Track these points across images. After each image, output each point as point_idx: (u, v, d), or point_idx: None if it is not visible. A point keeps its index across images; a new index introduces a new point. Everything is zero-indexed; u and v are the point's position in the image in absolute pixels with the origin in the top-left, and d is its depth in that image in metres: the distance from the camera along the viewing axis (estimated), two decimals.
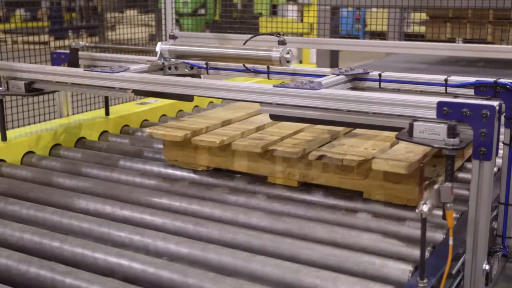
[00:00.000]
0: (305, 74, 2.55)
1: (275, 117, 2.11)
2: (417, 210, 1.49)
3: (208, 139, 2.37)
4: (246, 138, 2.40)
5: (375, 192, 2.16)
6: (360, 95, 1.91)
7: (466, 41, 6.00)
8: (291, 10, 9.21)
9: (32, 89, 2.62)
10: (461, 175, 2.59)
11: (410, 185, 2.08)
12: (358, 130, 2.45)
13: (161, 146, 2.75)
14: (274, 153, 2.24)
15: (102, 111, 3.34)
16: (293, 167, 2.30)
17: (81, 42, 2.94)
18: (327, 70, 2.50)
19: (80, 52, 3.02)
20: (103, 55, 3.07)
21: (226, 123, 2.61)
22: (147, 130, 2.49)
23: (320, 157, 2.13)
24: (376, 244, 1.88)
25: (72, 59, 2.93)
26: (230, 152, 2.39)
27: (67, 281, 1.69)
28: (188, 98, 2.51)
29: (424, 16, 6.69)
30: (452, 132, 1.71)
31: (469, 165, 2.68)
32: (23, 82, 2.60)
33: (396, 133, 1.83)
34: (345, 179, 2.20)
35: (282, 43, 2.37)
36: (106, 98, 3.28)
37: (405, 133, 1.80)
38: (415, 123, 1.77)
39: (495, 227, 2.06)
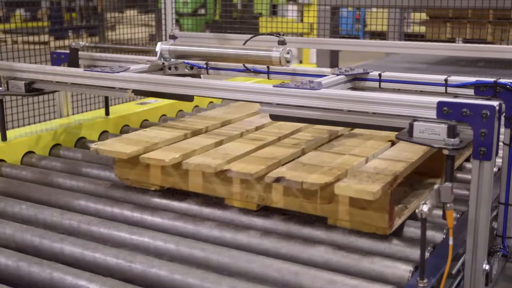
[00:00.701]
0: (305, 74, 2.55)
1: (275, 117, 2.11)
2: (417, 210, 1.49)
3: (157, 156, 2.13)
4: (201, 155, 2.15)
5: (340, 219, 1.93)
6: (360, 95, 1.91)
7: (466, 41, 6.01)
8: (291, 10, 9.21)
9: (32, 89, 2.62)
10: (459, 175, 2.58)
11: (379, 211, 1.85)
12: (335, 142, 2.30)
13: None
14: (227, 174, 2.01)
15: (102, 111, 3.34)
16: (251, 189, 2.07)
17: (81, 42, 2.94)
18: (327, 70, 2.50)
19: (80, 52, 3.02)
20: (103, 55, 3.07)
21: (189, 135, 2.40)
22: (92, 146, 2.26)
23: (278, 180, 1.90)
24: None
25: (72, 59, 2.93)
26: (184, 170, 2.14)
27: (67, 281, 1.70)
28: (188, 98, 2.51)
29: (424, 16, 6.69)
30: (452, 132, 1.71)
31: (468, 165, 2.68)
32: (23, 82, 2.60)
33: (397, 133, 1.83)
34: (307, 203, 1.97)
35: (282, 43, 2.37)
36: (106, 98, 3.27)
37: (405, 133, 1.79)
38: (415, 123, 1.77)
39: (495, 227, 2.06)
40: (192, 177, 2.17)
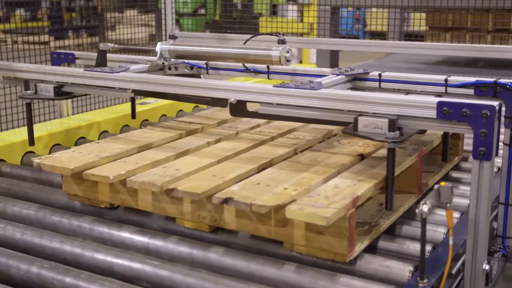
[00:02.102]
0: (305, 74, 2.55)
1: (275, 117, 2.11)
2: (417, 210, 1.49)
3: (102, 173, 1.98)
4: (148, 171, 1.99)
5: (296, 243, 1.77)
6: (360, 95, 1.91)
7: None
8: (291, 10, 9.21)
9: (61, 92, 2.49)
10: (455, 174, 2.57)
11: (337, 237, 1.69)
12: (300, 156, 2.15)
13: None
14: (173, 193, 1.85)
15: (102, 111, 3.34)
16: (202, 209, 1.91)
17: (109, 44, 2.82)
18: (327, 70, 2.50)
19: (80, 52, 3.03)
20: None
21: (142, 148, 2.26)
22: (35, 160, 2.11)
23: (226, 201, 1.73)
24: None
25: (100, 61, 2.82)
26: (136, 188, 1.96)
27: (67, 280, 1.70)
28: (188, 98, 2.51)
29: (423, 24, 6.70)
30: (392, 126, 1.76)
31: (464, 165, 2.68)
32: (52, 85, 2.47)
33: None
34: (261, 226, 1.82)
35: (282, 42, 2.37)
36: (133, 101, 3.06)
37: (351, 127, 1.84)
38: (359, 117, 1.83)
39: (495, 227, 2.07)
40: (141, 195, 2.02)
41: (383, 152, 2.07)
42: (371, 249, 1.85)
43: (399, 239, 1.90)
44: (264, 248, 1.87)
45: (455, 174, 2.56)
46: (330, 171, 1.95)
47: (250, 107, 2.47)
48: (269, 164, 2.08)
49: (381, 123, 1.78)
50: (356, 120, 1.83)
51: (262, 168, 2.03)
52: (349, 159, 2.07)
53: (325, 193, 1.75)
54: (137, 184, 1.90)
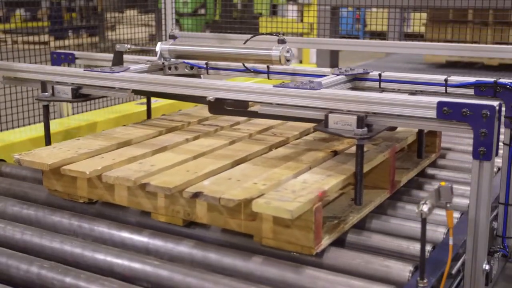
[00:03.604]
0: (305, 74, 2.55)
1: (275, 117, 2.11)
2: (417, 210, 1.49)
3: (79, 168, 2.03)
4: (124, 167, 2.04)
5: (265, 237, 1.82)
6: (360, 95, 1.91)
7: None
8: (291, 10, 9.21)
9: (79, 94, 2.47)
10: (430, 171, 2.60)
11: (303, 230, 1.73)
12: (275, 153, 2.19)
13: None
14: (146, 188, 1.90)
15: (102, 111, 3.34)
16: (175, 203, 1.96)
17: (125, 45, 2.80)
18: (327, 70, 2.50)
19: (80, 52, 3.02)
20: (103, 55, 3.07)
21: (122, 145, 2.29)
22: (15, 156, 2.15)
23: (196, 195, 1.78)
24: None
25: (116, 62, 2.80)
26: (111, 183, 2.02)
27: (67, 280, 1.70)
28: (188, 98, 2.50)
29: (423, 24, 6.71)
30: (361, 123, 1.80)
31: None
32: (70, 87, 2.44)
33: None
34: (231, 220, 1.87)
35: (282, 42, 2.37)
36: (148, 101, 3.05)
37: (322, 124, 1.88)
38: (330, 114, 1.87)
39: (495, 227, 2.07)
40: (118, 190, 2.08)
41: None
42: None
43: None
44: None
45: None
46: (301, 167, 1.99)
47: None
48: (244, 160, 2.12)
49: (350, 120, 1.82)
50: (326, 117, 1.87)
51: (236, 164, 2.08)
52: (322, 156, 2.12)
53: (293, 187, 1.79)
54: (112, 179, 1.96)
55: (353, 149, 2.15)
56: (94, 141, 2.32)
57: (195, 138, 2.40)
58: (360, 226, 2.00)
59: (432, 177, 2.55)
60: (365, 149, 2.05)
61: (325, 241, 1.77)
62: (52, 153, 2.16)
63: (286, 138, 2.38)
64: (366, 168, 1.97)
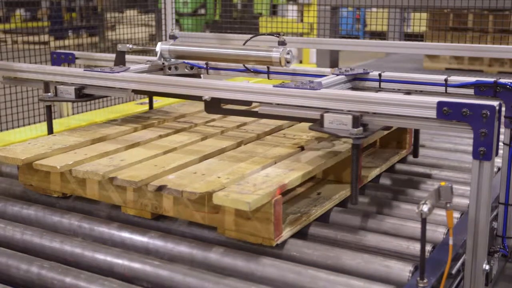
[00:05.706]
0: (305, 74, 2.55)
1: (275, 117, 2.11)
2: (417, 210, 1.49)
3: (50, 163, 2.07)
4: (93, 162, 2.09)
5: (228, 229, 1.88)
6: (360, 95, 1.91)
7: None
8: (291, 10, 9.21)
9: (82, 94, 2.47)
10: (399, 166, 2.64)
11: (263, 222, 1.79)
12: (243, 148, 2.25)
13: None
14: (114, 181, 1.95)
15: (102, 111, 3.34)
16: (143, 197, 2.02)
17: (127, 45, 2.79)
18: (327, 70, 2.50)
19: (80, 52, 3.02)
20: (103, 55, 3.06)
21: (96, 141, 2.34)
22: None
23: (160, 188, 1.84)
24: None
25: (118, 62, 2.79)
26: (81, 177, 2.08)
27: (67, 280, 1.70)
28: (188, 98, 2.50)
29: (423, 24, 6.72)
30: (356, 122, 1.82)
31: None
32: (74, 87, 2.44)
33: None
34: (196, 212, 1.93)
35: (282, 43, 2.37)
36: (150, 98, 3.07)
37: (318, 124, 1.90)
38: (325, 114, 1.88)
39: (495, 227, 2.07)
40: (89, 184, 2.13)
41: (323, 144, 2.25)
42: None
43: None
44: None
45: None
46: (266, 162, 2.05)
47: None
48: (212, 155, 2.17)
49: (346, 119, 1.84)
50: (322, 116, 1.88)
51: (204, 159, 2.13)
52: (289, 151, 2.17)
53: (254, 181, 1.85)
54: (81, 173, 2.01)
55: (320, 144, 2.25)
56: (69, 137, 2.36)
57: (168, 134, 2.45)
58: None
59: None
60: (333, 143, 2.21)
61: (286, 233, 1.83)
62: (26, 149, 2.20)
63: (257, 135, 2.42)
64: (331, 162, 2.09)
